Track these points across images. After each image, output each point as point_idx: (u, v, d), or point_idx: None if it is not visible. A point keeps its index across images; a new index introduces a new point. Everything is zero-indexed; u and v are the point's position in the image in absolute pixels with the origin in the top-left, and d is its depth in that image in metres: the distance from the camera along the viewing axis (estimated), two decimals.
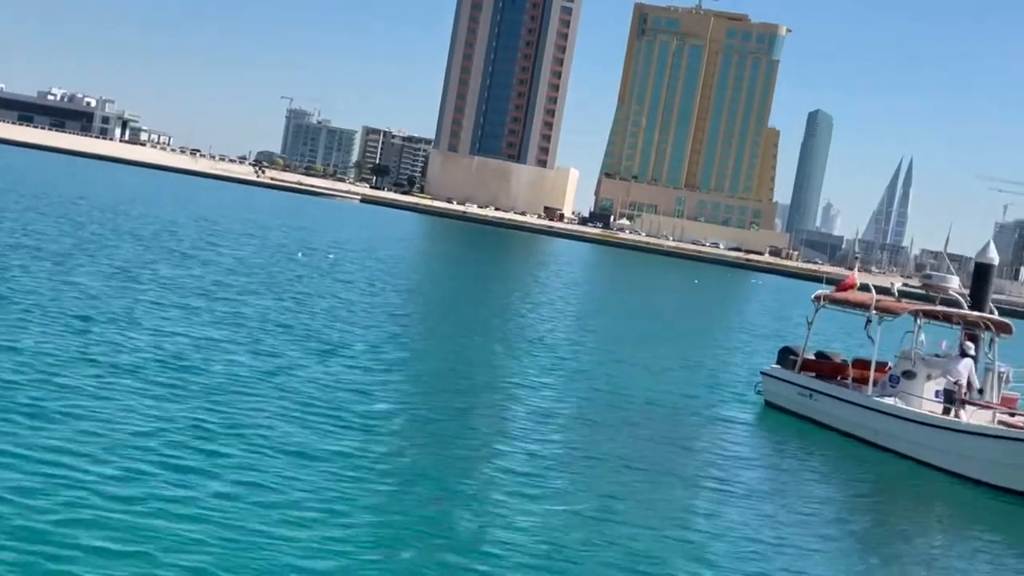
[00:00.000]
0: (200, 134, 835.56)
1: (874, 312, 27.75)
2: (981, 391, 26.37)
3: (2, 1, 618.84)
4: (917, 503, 22.40)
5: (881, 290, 30.41)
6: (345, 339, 29.78)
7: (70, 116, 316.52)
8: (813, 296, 30.79)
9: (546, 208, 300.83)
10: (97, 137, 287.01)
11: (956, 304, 28.77)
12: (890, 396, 26.83)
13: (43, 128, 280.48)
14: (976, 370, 27.06)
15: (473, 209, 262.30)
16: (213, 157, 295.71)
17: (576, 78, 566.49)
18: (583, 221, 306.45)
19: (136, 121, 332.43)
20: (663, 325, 54.20)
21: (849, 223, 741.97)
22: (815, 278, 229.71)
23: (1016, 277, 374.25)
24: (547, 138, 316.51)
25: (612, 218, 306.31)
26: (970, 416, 25.51)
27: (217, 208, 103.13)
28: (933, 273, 29.63)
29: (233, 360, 23.79)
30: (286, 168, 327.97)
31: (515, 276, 79.04)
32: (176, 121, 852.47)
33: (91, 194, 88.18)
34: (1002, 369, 29.45)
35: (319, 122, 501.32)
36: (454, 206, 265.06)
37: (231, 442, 17.00)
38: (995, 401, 27.73)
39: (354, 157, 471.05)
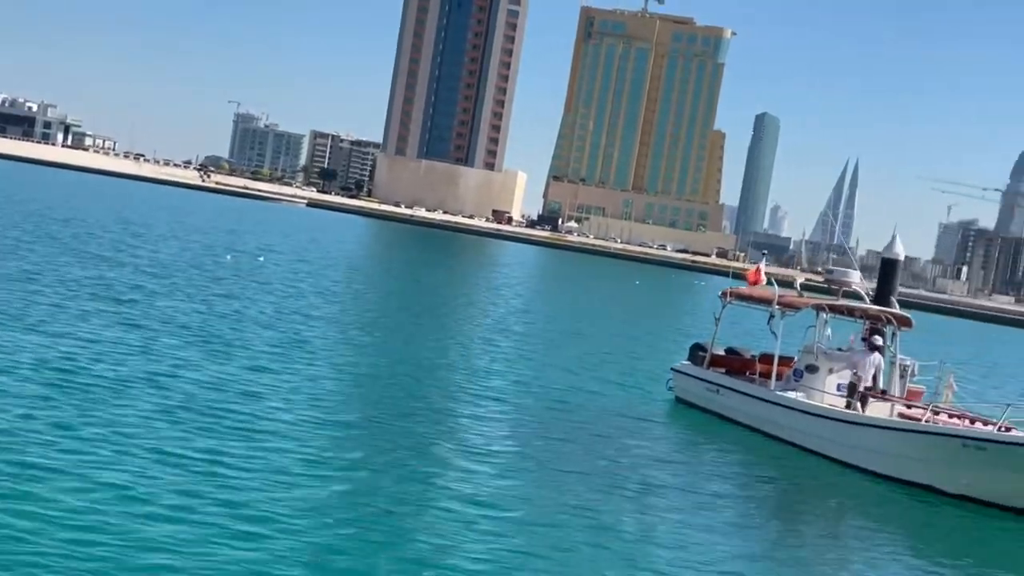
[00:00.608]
0: (147, 139, 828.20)
1: (776, 307, 27.78)
2: (884, 391, 26.45)
3: None
4: (814, 496, 22.33)
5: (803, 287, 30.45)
6: (244, 340, 29.24)
7: (11, 121, 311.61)
8: (720, 292, 30.79)
9: (494, 211, 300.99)
10: (38, 142, 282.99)
11: (858, 298, 28.89)
12: (794, 390, 26.85)
13: None
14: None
15: (421, 212, 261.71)
16: (157, 162, 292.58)
17: (523, 81, 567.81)
18: (531, 224, 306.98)
19: (79, 126, 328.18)
20: (590, 325, 54.06)
21: (797, 224, 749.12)
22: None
23: (958, 277, 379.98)
24: (495, 141, 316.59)
25: (560, 221, 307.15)
26: (873, 409, 25.55)
27: (152, 212, 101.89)
28: (835, 268, 29.69)
29: (119, 361, 23.26)
30: (232, 173, 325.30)
31: (451, 279, 78.65)
32: (122, 126, 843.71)
33: (25, 198, 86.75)
34: (907, 362, 29.61)
35: (267, 126, 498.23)
36: (401, 209, 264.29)
37: (99, 443, 16.55)
38: (900, 394, 27.86)
39: (302, 161, 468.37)
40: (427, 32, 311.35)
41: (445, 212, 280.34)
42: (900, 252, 31.89)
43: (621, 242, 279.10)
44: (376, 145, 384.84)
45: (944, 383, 27.88)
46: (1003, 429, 23.35)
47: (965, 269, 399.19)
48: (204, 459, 16.58)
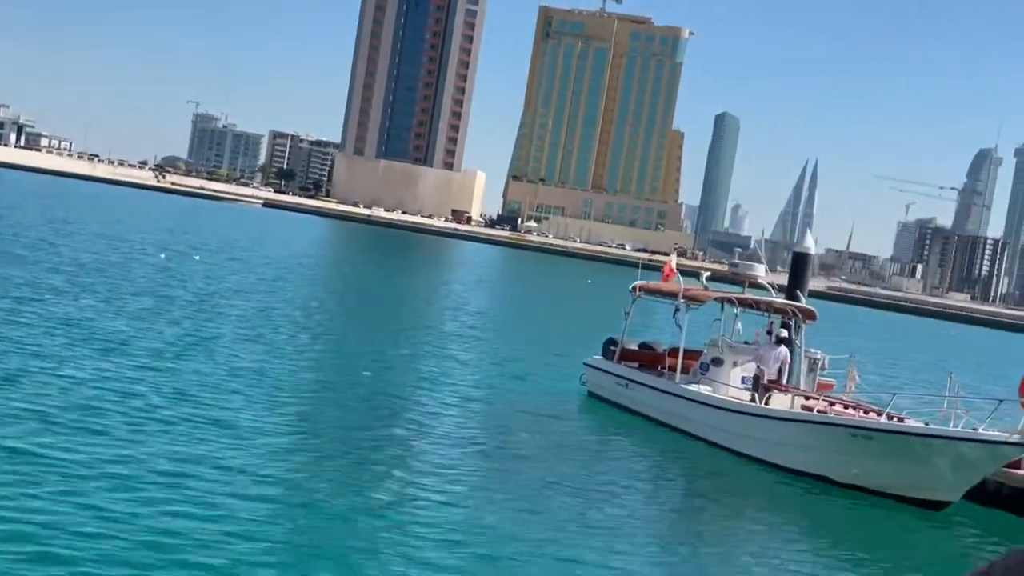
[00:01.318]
0: (104, 139, 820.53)
1: (681, 301, 27.89)
2: (791, 384, 26.60)
3: None
4: (709, 488, 22.44)
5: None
6: (134, 337, 28.87)
7: None
8: (631, 287, 30.86)
9: (453, 211, 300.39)
10: None
11: (764, 291, 29.06)
12: (700, 383, 26.96)
13: None
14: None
15: (379, 212, 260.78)
16: (112, 162, 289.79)
17: (482, 80, 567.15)
18: (491, 224, 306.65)
19: (32, 126, 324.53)
20: (525, 322, 54.19)
21: (758, 224, 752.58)
22: (721, 278, 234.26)
23: (913, 275, 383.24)
24: (453, 141, 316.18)
25: (520, 220, 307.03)
26: (776, 402, 25.69)
27: (92, 211, 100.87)
28: (740, 261, 29.86)
29: None
30: (188, 173, 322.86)
31: (393, 277, 78.46)
32: (78, 127, 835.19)
33: None
34: (817, 355, 29.82)
35: (225, 126, 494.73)
36: (359, 209, 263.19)
37: None
38: (810, 387, 28.03)
39: (261, 161, 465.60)
40: (384, 32, 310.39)
41: (404, 212, 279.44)
42: (811, 246, 32.12)
43: (580, 241, 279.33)
44: (336, 145, 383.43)
45: (847, 375, 28.11)
46: (897, 419, 23.54)
47: (920, 267, 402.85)
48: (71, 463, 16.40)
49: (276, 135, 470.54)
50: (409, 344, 36.74)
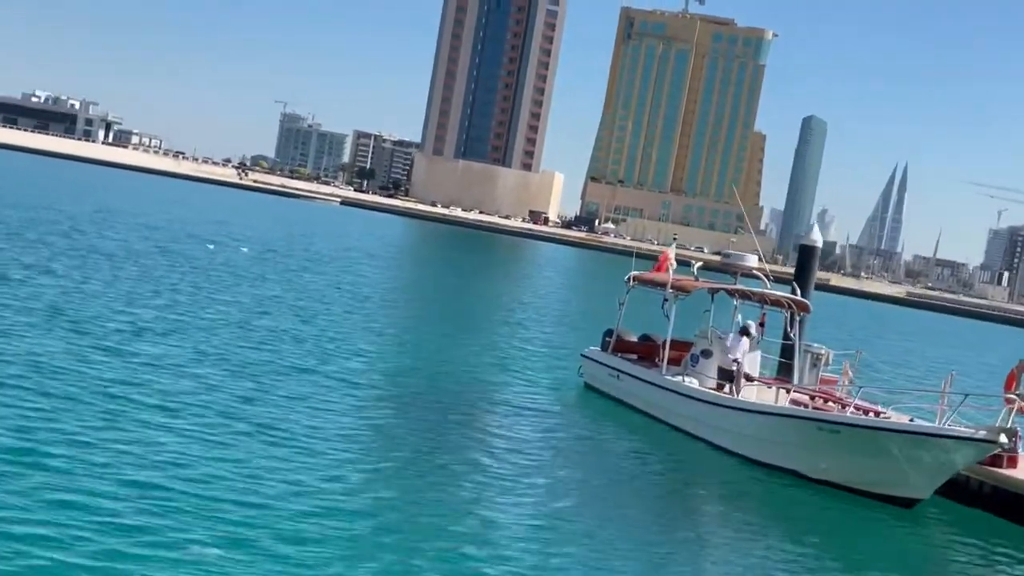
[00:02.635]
0: (194, 138, 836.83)
1: (670, 291, 27.54)
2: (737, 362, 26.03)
3: None
4: (681, 482, 21.97)
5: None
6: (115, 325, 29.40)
7: (54, 118, 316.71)
8: (626, 277, 30.57)
9: (531, 212, 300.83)
10: (79, 139, 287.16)
11: (756, 280, 28.58)
12: (688, 375, 26.61)
13: (27, 130, 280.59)
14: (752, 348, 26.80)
15: (456, 212, 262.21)
16: (196, 159, 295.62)
17: (562, 81, 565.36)
18: (568, 225, 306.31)
19: (120, 123, 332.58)
20: (568, 318, 54.06)
21: (845, 228, 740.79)
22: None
23: (999, 282, 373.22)
24: (532, 142, 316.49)
25: (597, 222, 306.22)
26: (745, 394, 25.16)
27: (157, 204, 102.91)
28: (731, 252, 29.34)
29: None
30: (270, 171, 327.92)
31: (453, 273, 78.73)
32: (169, 126, 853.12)
33: (26, 189, 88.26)
34: (820, 351, 29.21)
35: (310, 126, 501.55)
36: (435, 208, 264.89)
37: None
38: (813, 383, 27.48)
39: (345, 161, 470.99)
40: (465, 32, 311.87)
41: (481, 212, 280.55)
42: (817, 239, 31.47)
43: (657, 243, 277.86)
44: (417, 146, 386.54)
45: (842, 371, 27.51)
46: (874, 413, 22.96)
47: (1007, 275, 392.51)
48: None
49: (360, 135, 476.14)
50: (431, 340, 36.84)
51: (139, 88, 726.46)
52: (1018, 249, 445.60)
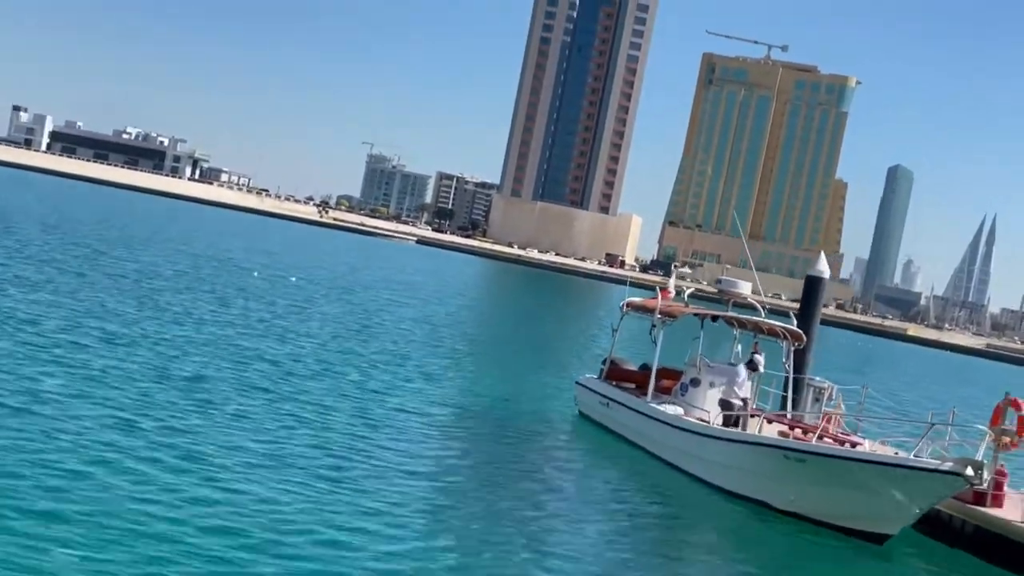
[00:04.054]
0: (282, 177, 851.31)
1: (657, 316, 27.20)
2: (745, 401, 25.57)
3: (81, 41, 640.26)
4: (652, 515, 21.41)
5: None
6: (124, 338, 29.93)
7: (143, 154, 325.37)
8: (620, 304, 30.32)
9: (608, 254, 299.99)
10: (167, 175, 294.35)
11: (751, 309, 28.08)
12: (680, 404, 26.21)
13: (117, 165, 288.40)
14: (754, 379, 26.33)
15: (533, 253, 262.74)
16: (279, 197, 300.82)
17: (641, 125, 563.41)
18: (644, 268, 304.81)
19: (207, 160, 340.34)
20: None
21: (930, 280, 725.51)
22: (876, 331, 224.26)
23: None
24: (610, 184, 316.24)
25: (674, 266, 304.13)
26: (750, 426, 24.73)
27: (224, 237, 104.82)
28: (724, 278, 28.88)
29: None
30: (350, 209, 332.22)
31: (499, 311, 78.83)
32: (260, 164, 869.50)
33: (111, 221, 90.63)
34: (824, 385, 28.62)
35: (394, 167, 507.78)
36: (513, 249, 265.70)
37: None
38: (816, 417, 26.89)
39: (427, 201, 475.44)
40: (547, 75, 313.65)
41: (558, 254, 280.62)
42: (824, 270, 30.87)
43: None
44: (497, 187, 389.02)
45: (834, 403, 26.89)
46: (850, 444, 22.36)
47: None
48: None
49: (443, 176, 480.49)
50: (453, 368, 36.92)
51: (231, 128, 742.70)
52: None
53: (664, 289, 29.29)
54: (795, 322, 27.93)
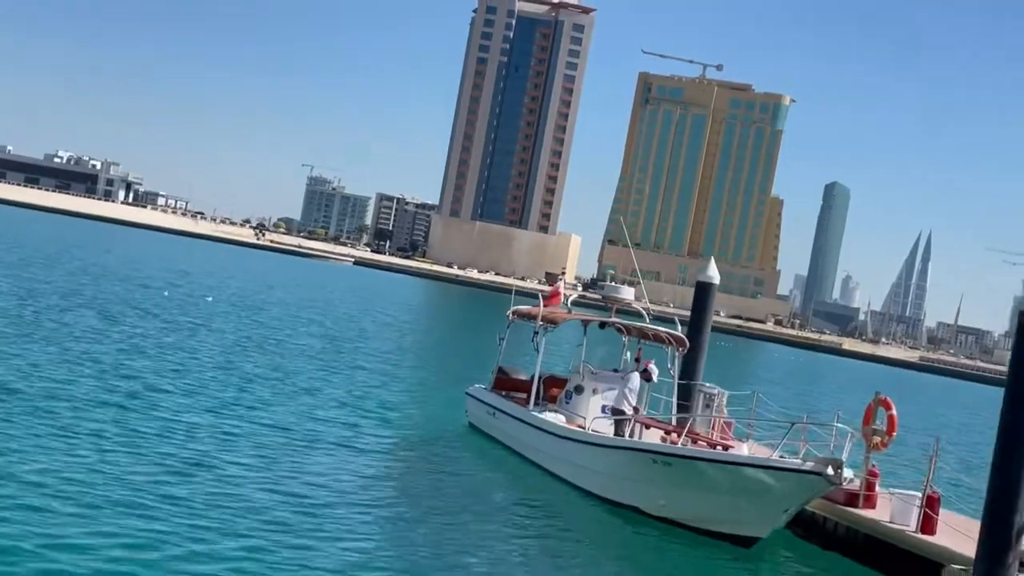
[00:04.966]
0: (223, 200, 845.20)
1: (540, 323, 26.82)
2: (636, 409, 25.19)
3: (10, 65, 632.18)
4: (527, 523, 20.83)
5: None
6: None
7: (75, 178, 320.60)
8: (507, 313, 29.93)
9: (547, 273, 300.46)
10: (99, 199, 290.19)
11: (637, 316, 27.83)
12: (564, 412, 25.78)
13: (48, 190, 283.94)
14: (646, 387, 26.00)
15: (473, 273, 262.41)
16: (215, 220, 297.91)
17: (579, 144, 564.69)
18: (585, 287, 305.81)
19: (139, 183, 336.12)
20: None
21: (868, 295, 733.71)
22: (813, 346, 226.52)
23: None
24: (549, 204, 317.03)
25: (561, 271, 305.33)
26: (636, 434, 24.35)
27: (141, 257, 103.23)
28: (606, 284, 28.59)
29: None
30: (287, 232, 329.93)
31: (426, 327, 78.13)
32: (199, 188, 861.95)
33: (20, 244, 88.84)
34: (714, 391, 28.37)
35: (334, 189, 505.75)
36: (452, 270, 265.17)
37: None
38: (705, 424, 26.60)
39: (368, 223, 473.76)
40: (484, 95, 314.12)
41: (498, 273, 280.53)
42: (714, 275, 30.63)
43: (673, 306, 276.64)
44: (437, 208, 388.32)
45: (716, 407, 26.64)
46: (722, 447, 22.04)
47: None
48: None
49: (383, 198, 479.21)
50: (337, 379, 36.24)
51: (167, 151, 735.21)
52: None
53: (550, 296, 28.88)
54: (680, 328, 27.65)
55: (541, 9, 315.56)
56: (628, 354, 28.03)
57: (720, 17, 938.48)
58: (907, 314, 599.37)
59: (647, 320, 27.68)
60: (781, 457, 19.69)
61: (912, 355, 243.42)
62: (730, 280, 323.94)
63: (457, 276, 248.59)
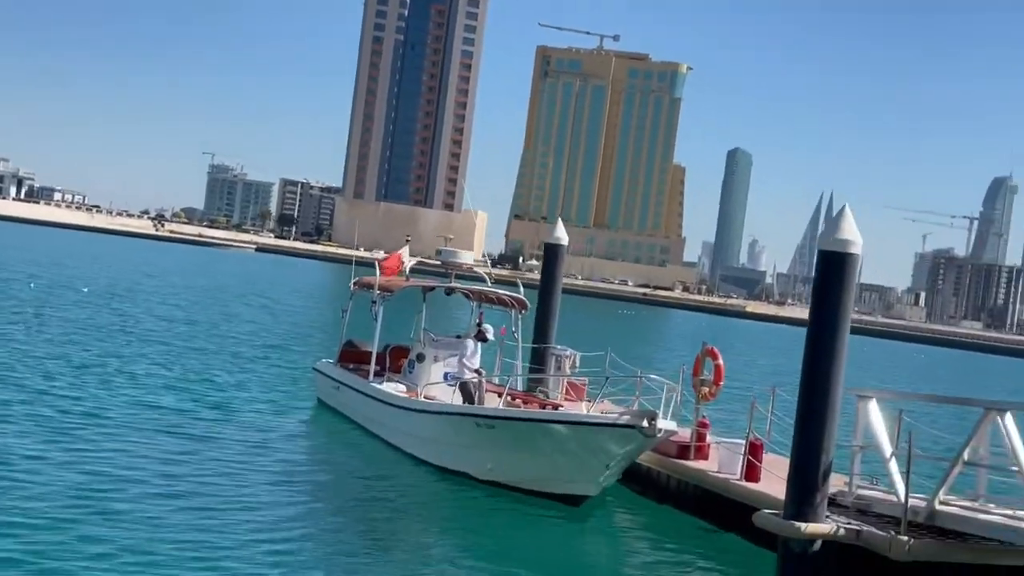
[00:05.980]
0: (122, 192, 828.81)
1: (376, 292, 26.28)
2: (479, 372, 24.76)
3: None
4: (356, 494, 20.19)
5: None
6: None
7: None
8: (350, 284, 29.35)
9: (438, 250, 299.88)
10: None
11: (479, 280, 27.48)
12: (406, 382, 25.26)
13: None
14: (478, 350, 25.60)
15: (379, 255, 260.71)
16: (111, 212, 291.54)
17: (481, 120, 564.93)
18: (493, 263, 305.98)
19: (31, 179, 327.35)
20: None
21: (774, 258, 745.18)
22: (719, 311, 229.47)
23: (917, 302, 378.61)
24: (453, 181, 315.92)
25: (521, 259, 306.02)
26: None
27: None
28: (444, 249, 28.11)
29: None
30: (187, 222, 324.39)
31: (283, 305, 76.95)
32: (98, 181, 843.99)
33: None
34: (566, 353, 28.11)
35: (236, 176, 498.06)
36: (358, 252, 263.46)
37: None
38: (556, 387, 26.29)
39: (273, 209, 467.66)
40: (381, 75, 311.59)
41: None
42: (562, 236, 30.24)
43: (582, 278, 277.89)
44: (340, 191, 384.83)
45: (559, 367, 26.40)
46: (552, 406, 21.74)
47: (923, 295, 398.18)
48: None
49: (287, 183, 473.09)
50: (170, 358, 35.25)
51: (62, 145, 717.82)
52: (941, 271, 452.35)
53: (387, 264, 28.28)
54: (521, 290, 27.28)
55: None
56: (475, 319, 27.58)
57: None
58: (812, 275, 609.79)
59: (488, 284, 27.29)
60: (602, 414, 19.41)
61: (802, 312, 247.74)
62: (637, 249, 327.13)
63: (360, 258, 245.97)
